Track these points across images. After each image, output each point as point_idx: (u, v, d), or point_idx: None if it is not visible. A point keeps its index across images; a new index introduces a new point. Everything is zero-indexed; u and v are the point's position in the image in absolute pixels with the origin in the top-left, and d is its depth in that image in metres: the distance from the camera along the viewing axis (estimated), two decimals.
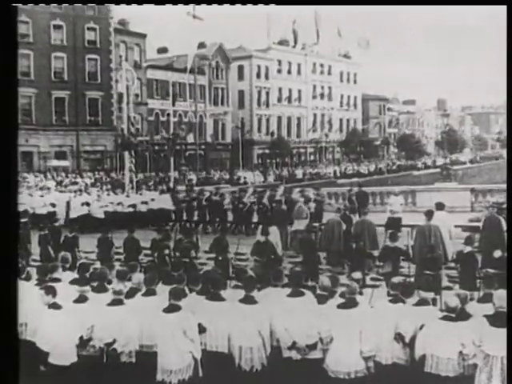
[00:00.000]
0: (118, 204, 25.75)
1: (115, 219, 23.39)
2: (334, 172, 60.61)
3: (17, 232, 8.72)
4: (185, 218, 25.09)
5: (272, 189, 26.08)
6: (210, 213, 24.63)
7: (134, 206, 25.62)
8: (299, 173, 57.96)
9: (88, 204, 24.88)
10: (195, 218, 24.92)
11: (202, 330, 8.45)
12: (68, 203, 25.34)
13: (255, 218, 23.50)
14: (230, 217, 24.46)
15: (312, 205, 22.08)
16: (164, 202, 26.52)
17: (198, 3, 10.74)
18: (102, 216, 24.60)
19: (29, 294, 9.14)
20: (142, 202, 26.14)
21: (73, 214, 24.61)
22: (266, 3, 10.78)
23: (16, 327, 8.83)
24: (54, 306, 8.64)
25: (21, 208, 25.12)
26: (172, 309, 8.31)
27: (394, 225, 19.27)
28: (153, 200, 26.55)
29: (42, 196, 27.15)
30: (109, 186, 32.41)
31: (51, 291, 8.76)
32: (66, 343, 8.50)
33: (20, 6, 10.68)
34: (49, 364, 8.45)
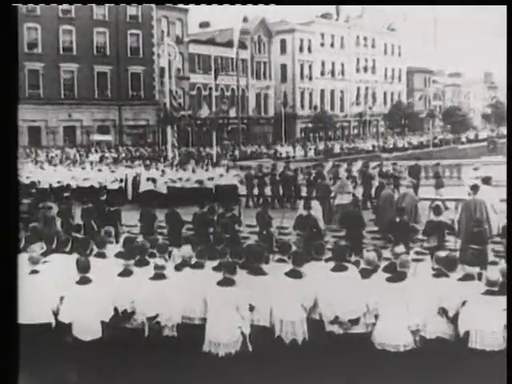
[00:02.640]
0: (187, 180, 25.67)
1: (179, 195, 23.34)
2: (373, 146, 59.86)
3: (17, 206, 8.74)
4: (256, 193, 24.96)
5: (349, 163, 25.63)
6: (284, 188, 24.46)
7: (200, 181, 25.34)
8: (336, 147, 57.46)
9: (154, 180, 24.69)
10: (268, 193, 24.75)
11: (251, 308, 8.47)
12: (135, 178, 25.49)
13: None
14: (304, 191, 24.03)
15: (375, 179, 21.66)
16: (231, 178, 26.53)
17: (198, 3, 10.58)
18: (165, 191, 24.54)
19: (68, 267, 9.19)
20: (209, 178, 25.97)
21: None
22: (266, 3, 10.63)
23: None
24: (92, 280, 8.70)
25: (59, 182, 25.64)
26: (227, 283, 8.37)
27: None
28: (221, 176, 26.47)
29: (113, 172, 27.44)
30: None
31: (95, 265, 8.84)
32: (105, 317, 8.58)
33: None
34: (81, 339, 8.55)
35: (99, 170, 27.98)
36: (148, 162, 29.99)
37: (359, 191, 22.29)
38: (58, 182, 25.86)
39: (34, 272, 8.93)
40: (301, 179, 24.69)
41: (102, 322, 8.55)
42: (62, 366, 8.63)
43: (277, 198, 24.23)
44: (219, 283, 8.43)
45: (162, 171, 26.58)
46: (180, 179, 25.72)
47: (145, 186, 24.71)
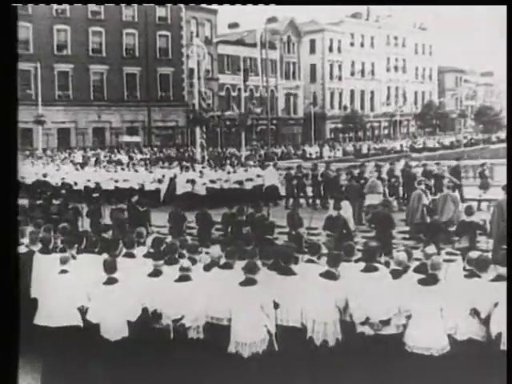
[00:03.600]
0: (226, 181, 25.49)
1: (219, 196, 23.23)
2: (401, 146, 59.31)
3: (16, 204, 8.77)
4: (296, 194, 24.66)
5: (391, 162, 25.33)
6: (326, 189, 24.13)
7: (240, 182, 25.23)
8: (364, 148, 57.05)
9: (193, 181, 24.50)
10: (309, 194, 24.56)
11: (275, 305, 8.47)
12: (172, 180, 25.37)
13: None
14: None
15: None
16: (270, 178, 26.23)
17: (198, 3, 10.58)
18: (204, 193, 24.41)
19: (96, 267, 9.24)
20: (247, 179, 25.72)
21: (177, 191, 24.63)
22: (266, 3, 10.60)
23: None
24: (120, 280, 8.75)
25: (87, 183, 25.79)
26: (248, 282, 8.37)
27: None
28: (259, 176, 26.19)
29: (151, 172, 27.31)
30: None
31: (122, 266, 8.90)
32: (132, 317, 8.62)
33: None
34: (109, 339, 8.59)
35: (136, 171, 27.81)
36: (184, 163, 29.72)
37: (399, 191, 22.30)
38: (89, 181, 26.10)
39: (64, 272, 9.00)
40: (343, 180, 24.26)
41: (129, 323, 8.58)
42: (88, 366, 8.72)
43: (319, 199, 24.06)
44: (241, 283, 8.43)
45: (200, 172, 26.36)
46: (219, 180, 25.52)
47: (184, 188, 24.54)
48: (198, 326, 8.66)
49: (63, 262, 9.09)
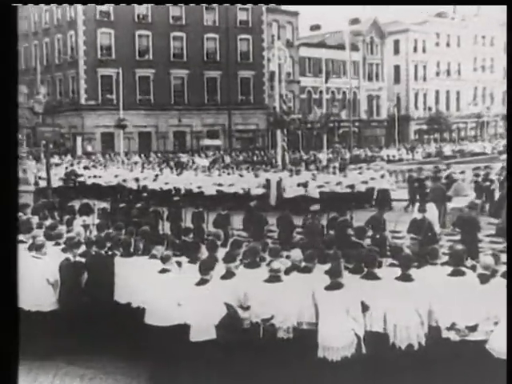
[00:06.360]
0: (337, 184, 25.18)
1: (331, 199, 22.86)
2: (484, 148, 57.39)
3: (16, 204, 8.78)
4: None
5: (487, 166, 24.60)
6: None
7: (352, 186, 24.98)
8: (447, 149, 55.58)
9: (305, 185, 24.37)
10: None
11: (365, 308, 8.33)
12: (279, 183, 25.19)
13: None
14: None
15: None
16: (383, 181, 25.98)
17: (198, 3, 10.35)
18: (317, 196, 24.07)
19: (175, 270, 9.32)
20: (362, 182, 25.47)
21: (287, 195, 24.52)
22: (266, 3, 10.29)
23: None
24: (203, 282, 8.73)
25: (172, 185, 26.01)
26: (334, 286, 8.27)
27: None
28: (372, 179, 25.87)
29: (257, 176, 26.86)
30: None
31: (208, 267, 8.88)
32: (219, 318, 8.57)
33: None
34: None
35: (241, 176, 27.66)
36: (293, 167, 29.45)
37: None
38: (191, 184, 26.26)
39: (165, 271, 9.14)
40: (468, 182, 23.51)
41: (217, 323, 8.56)
42: (176, 367, 8.75)
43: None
44: (326, 288, 8.32)
45: (313, 175, 26.07)
46: (327, 183, 25.22)
47: (294, 191, 24.38)
48: (288, 328, 8.60)
49: (165, 261, 9.23)
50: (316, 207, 15.38)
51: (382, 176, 26.23)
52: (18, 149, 8.79)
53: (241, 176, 27.49)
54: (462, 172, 22.64)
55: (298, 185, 24.57)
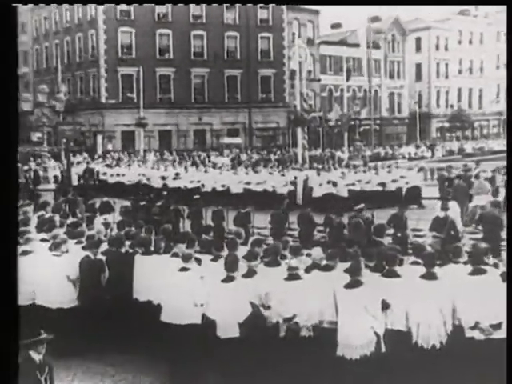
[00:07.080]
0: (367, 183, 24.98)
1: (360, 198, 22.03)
2: (504, 146, 56.80)
3: (16, 204, 8.78)
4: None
5: None
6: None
7: (383, 184, 24.82)
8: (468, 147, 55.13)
9: (335, 183, 24.13)
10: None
11: (385, 306, 8.24)
12: (305, 182, 24.88)
13: None
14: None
15: None
16: (415, 179, 25.93)
17: (197, 3, 10.27)
18: (346, 195, 23.80)
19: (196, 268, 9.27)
20: (393, 181, 25.17)
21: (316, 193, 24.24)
22: (266, 3, 10.22)
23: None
24: (230, 279, 8.74)
25: (191, 185, 25.96)
26: (353, 284, 8.21)
27: None
28: (402, 177, 25.63)
29: (283, 175, 26.62)
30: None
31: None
32: (241, 313, 8.59)
33: None
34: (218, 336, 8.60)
35: (270, 174, 27.29)
36: (319, 166, 29.14)
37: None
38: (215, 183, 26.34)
39: (184, 270, 9.10)
40: (499, 181, 23.20)
41: (241, 321, 8.57)
42: (201, 365, 8.80)
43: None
44: (346, 286, 8.27)
45: (342, 173, 25.74)
46: (359, 181, 24.98)
47: (323, 190, 24.16)
48: (311, 326, 8.59)
49: (185, 259, 9.19)
50: (361, 206, 15.19)
51: (419, 170, 25.79)
52: (17, 148, 8.79)
53: (270, 174, 27.10)
54: (484, 171, 22.31)
55: (328, 182, 24.35)
